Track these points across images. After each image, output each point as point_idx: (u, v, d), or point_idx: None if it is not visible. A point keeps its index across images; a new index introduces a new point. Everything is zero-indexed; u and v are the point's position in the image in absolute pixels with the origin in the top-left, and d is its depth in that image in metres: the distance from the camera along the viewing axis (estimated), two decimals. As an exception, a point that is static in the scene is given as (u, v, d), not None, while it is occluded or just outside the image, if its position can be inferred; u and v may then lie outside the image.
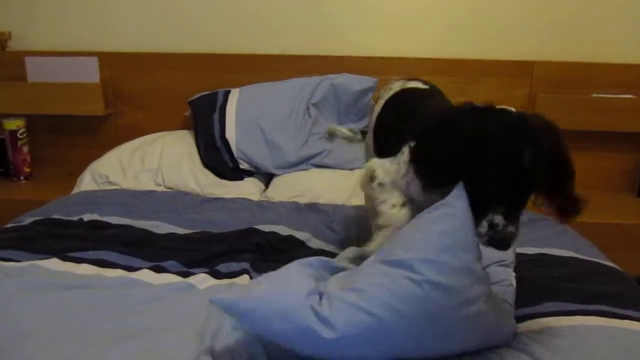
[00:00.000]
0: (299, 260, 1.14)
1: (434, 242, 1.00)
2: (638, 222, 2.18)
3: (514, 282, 1.32)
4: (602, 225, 2.14)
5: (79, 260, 1.44)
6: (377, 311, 0.95)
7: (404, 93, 1.46)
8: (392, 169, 1.27)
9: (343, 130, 1.96)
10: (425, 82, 1.49)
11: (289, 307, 0.96)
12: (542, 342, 1.12)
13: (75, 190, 2.21)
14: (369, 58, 2.49)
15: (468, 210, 1.02)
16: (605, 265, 1.53)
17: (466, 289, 0.98)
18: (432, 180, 1.11)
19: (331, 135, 2.15)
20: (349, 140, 1.91)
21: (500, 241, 1.02)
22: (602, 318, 1.21)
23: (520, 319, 1.22)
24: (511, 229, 1.01)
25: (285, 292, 1.00)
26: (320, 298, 1.00)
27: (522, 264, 1.49)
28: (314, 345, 0.95)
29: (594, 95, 2.44)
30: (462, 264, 0.98)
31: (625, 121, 2.41)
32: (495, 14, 2.49)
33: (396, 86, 1.50)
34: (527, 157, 0.97)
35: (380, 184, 1.28)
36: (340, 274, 1.12)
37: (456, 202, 1.02)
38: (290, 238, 1.64)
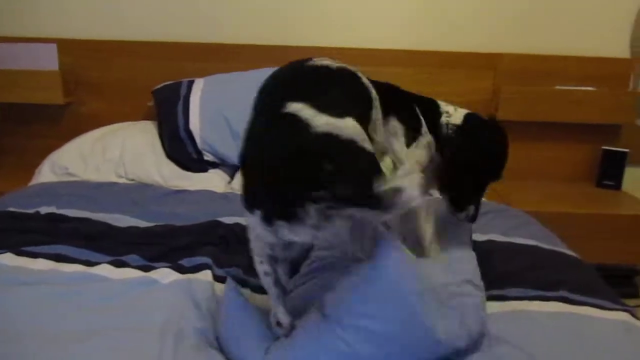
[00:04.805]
0: None
1: (363, 294, 0.98)
2: (597, 211, 2.24)
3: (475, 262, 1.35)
4: (563, 215, 2.19)
5: (34, 255, 1.39)
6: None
7: None
8: (421, 155, 1.29)
9: None
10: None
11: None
12: (504, 324, 1.15)
13: (34, 181, 2.14)
14: (332, 48, 2.47)
15: (397, 262, 0.99)
16: (565, 254, 1.57)
17: (400, 337, 0.97)
18: None
19: None
20: None
21: None
22: (562, 304, 1.25)
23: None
24: None
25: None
26: None
27: (490, 251, 1.52)
28: None
29: (557, 87, 2.49)
30: (393, 316, 0.97)
31: (586, 113, 2.46)
32: (460, 6, 2.50)
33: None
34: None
35: None
36: None
37: (384, 252, 1.00)
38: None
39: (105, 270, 1.34)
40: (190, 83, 2.33)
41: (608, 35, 2.55)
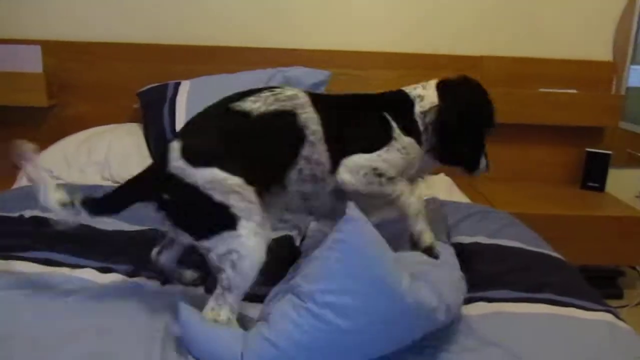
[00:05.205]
0: None
1: (330, 269, 1.01)
2: (582, 213, 2.26)
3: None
4: (548, 217, 2.21)
5: (19, 259, 1.37)
6: (282, 344, 0.97)
7: None
8: (395, 159, 1.24)
9: None
10: None
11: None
12: (490, 325, 1.16)
13: (17, 185, 2.11)
14: (322, 51, 2.48)
15: (359, 231, 1.02)
16: (550, 256, 1.58)
17: (373, 308, 0.98)
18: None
19: None
20: None
21: None
22: (547, 306, 1.26)
23: (470, 300, 1.26)
24: None
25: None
26: None
27: (476, 253, 1.54)
28: None
29: (541, 90, 2.52)
30: (362, 286, 0.98)
31: (570, 115, 2.49)
32: (445, 10, 2.53)
33: None
34: None
35: (389, 178, 1.24)
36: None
37: (345, 225, 1.02)
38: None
39: (90, 274, 1.32)
40: (177, 85, 2.32)
41: (591, 39, 2.58)
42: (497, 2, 2.53)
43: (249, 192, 1.11)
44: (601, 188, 2.53)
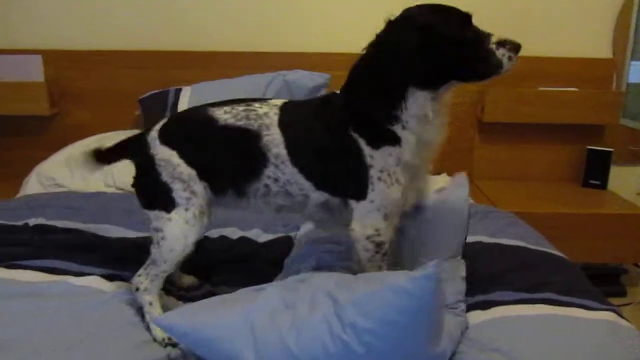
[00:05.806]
0: (246, 289, 1.14)
1: (384, 313, 0.93)
2: (583, 211, 2.26)
3: (463, 273, 1.32)
4: (550, 215, 2.21)
5: (24, 267, 1.39)
6: None
7: None
8: (383, 195, 1.15)
9: None
10: None
11: (225, 334, 0.98)
12: (492, 332, 1.15)
13: (21, 193, 2.13)
14: (322, 54, 2.49)
15: (430, 293, 0.94)
16: (552, 254, 1.58)
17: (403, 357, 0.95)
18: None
19: None
20: None
21: None
22: (549, 306, 1.25)
23: (471, 307, 1.26)
24: None
25: (222, 320, 1.01)
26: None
27: (478, 253, 1.53)
28: None
29: (541, 88, 2.52)
30: (406, 341, 0.94)
31: (570, 113, 2.49)
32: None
33: None
34: None
35: (384, 254, 1.20)
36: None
37: (421, 280, 0.93)
38: (241, 240, 1.65)
39: (95, 282, 1.34)
40: (178, 91, 2.33)
41: (590, 36, 2.58)
42: (496, 1, 2.53)
43: (197, 185, 1.20)
44: (603, 185, 2.53)
